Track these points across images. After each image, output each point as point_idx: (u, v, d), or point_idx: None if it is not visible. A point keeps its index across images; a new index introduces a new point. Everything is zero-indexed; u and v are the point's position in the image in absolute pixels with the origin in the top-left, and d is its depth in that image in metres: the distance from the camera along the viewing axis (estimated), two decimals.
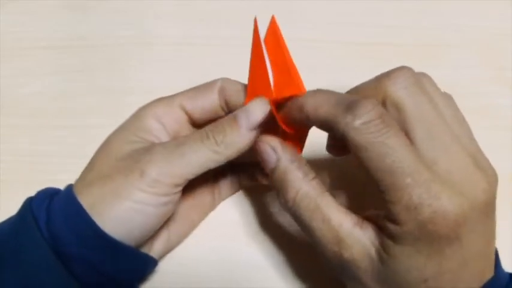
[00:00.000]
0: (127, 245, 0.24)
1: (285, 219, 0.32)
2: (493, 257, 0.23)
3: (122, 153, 0.25)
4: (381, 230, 0.21)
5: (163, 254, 0.29)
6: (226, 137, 0.24)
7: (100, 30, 0.40)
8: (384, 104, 0.22)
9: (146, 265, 0.28)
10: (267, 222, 0.32)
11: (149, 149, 0.25)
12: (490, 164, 0.23)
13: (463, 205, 0.20)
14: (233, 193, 0.33)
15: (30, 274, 0.23)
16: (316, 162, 0.31)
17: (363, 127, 0.20)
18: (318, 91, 0.23)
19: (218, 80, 0.28)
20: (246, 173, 0.31)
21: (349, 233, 0.22)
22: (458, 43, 0.40)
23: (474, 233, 0.21)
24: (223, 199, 0.32)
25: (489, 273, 0.22)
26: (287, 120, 0.25)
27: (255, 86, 0.26)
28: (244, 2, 0.41)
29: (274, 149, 0.24)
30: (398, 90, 0.22)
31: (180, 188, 0.25)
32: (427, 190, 0.20)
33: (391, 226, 0.21)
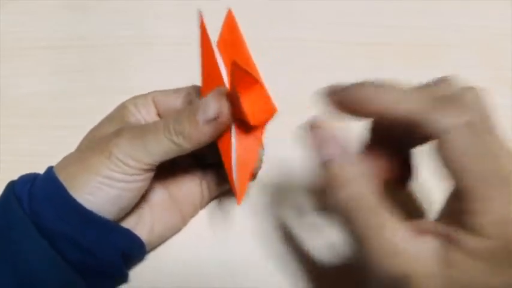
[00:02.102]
0: (103, 217, 0.26)
1: (284, 219, 0.32)
2: None
3: (103, 134, 0.27)
4: (450, 243, 0.19)
5: (150, 243, 0.29)
6: (184, 130, 0.25)
7: (100, 30, 0.40)
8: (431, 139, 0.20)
9: (128, 241, 0.28)
10: (267, 222, 0.32)
11: (118, 131, 0.26)
12: None
13: None
14: (223, 190, 0.32)
15: (15, 251, 0.24)
16: None
17: (461, 131, 0.19)
18: (383, 84, 0.21)
19: (188, 87, 0.30)
20: None
21: (408, 243, 0.20)
22: (458, 43, 0.40)
23: None
24: (213, 194, 0.32)
25: None
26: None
27: (208, 80, 0.26)
28: (244, 2, 0.41)
29: (335, 141, 0.22)
30: (462, 131, 0.20)
31: (149, 171, 0.26)
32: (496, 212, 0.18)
33: (470, 239, 0.19)
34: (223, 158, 0.26)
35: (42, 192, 0.25)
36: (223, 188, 0.32)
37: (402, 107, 0.20)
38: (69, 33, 0.40)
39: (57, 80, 0.38)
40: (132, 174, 0.26)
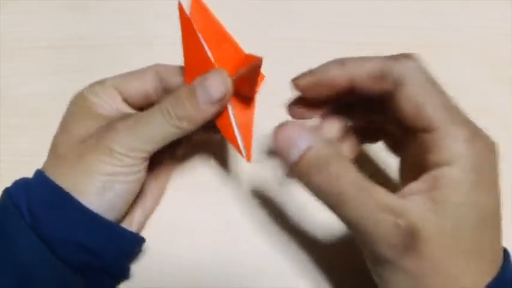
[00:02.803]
0: (109, 220, 0.26)
1: (284, 219, 0.32)
2: None
3: (83, 132, 0.26)
4: (431, 189, 0.21)
5: (143, 225, 0.31)
6: (187, 112, 0.25)
7: (100, 30, 0.40)
8: (397, 85, 0.23)
9: (132, 242, 0.28)
10: (266, 222, 0.32)
11: (112, 126, 0.26)
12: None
13: (495, 145, 0.22)
14: (188, 149, 0.33)
15: (17, 261, 0.24)
16: None
17: (419, 67, 0.22)
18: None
19: (151, 66, 0.29)
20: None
21: (400, 203, 0.21)
22: (458, 43, 0.40)
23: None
24: (180, 157, 0.33)
25: None
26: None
27: (192, 64, 0.26)
28: (244, 2, 0.41)
29: (303, 131, 0.23)
30: (414, 74, 0.23)
31: (147, 158, 0.26)
32: (475, 126, 0.22)
33: (447, 171, 0.21)
34: (220, 125, 0.27)
35: (42, 200, 0.25)
36: (189, 145, 0.33)
37: (365, 66, 0.23)
38: (69, 33, 0.40)
39: (57, 80, 0.38)
40: (134, 165, 0.26)
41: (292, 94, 0.27)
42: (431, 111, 0.21)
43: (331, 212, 0.22)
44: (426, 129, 0.22)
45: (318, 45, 0.39)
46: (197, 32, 0.25)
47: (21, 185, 0.26)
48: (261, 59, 0.23)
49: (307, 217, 0.32)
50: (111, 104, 0.28)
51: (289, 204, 0.33)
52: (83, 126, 0.27)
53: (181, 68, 0.28)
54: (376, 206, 0.21)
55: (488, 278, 0.21)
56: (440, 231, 0.20)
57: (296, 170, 0.22)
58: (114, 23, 0.40)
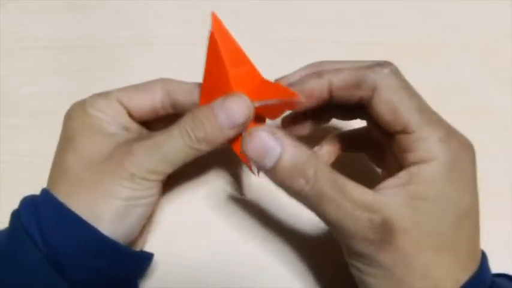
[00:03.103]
0: (126, 247, 0.26)
1: (283, 219, 0.32)
2: None
3: (98, 154, 0.26)
4: (407, 184, 0.22)
5: (147, 238, 0.31)
6: (207, 135, 0.25)
7: (100, 30, 0.40)
8: (373, 91, 0.24)
9: (144, 262, 0.28)
10: (265, 223, 0.32)
11: (130, 150, 0.25)
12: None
13: (473, 148, 0.23)
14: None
15: None
16: None
17: (393, 74, 0.23)
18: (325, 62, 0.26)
19: (158, 80, 0.29)
20: None
21: (374, 199, 0.22)
22: (458, 43, 0.40)
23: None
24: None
25: None
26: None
27: (211, 84, 0.26)
28: (244, 2, 0.41)
29: (275, 137, 0.23)
30: (389, 80, 0.24)
31: (164, 180, 0.27)
32: (448, 126, 0.23)
33: (424, 168, 0.22)
34: (233, 144, 0.27)
35: (56, 227, 0.24)
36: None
37: (341, 75, 0.24)
38: (69, 33, 0.40)
39: (57, 80, 0.38)
40: (152, 188, 0.26)
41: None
42: (406, 115, 0.22)
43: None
44: (403, 132, 0.22)
45: (318, 45, 0.39)
46: (221, 52, 0.25)
47: (29, 207, 0.25)
48: (298, 96, 0.24)
49: (308, 217, 0.32)
50: (116, 118, 0.28)
51: (290, 204, 0.33)
52: (93, 145, 0.26)
53: (192, 85, 0.28)
54: (351, 204, 0.22)
55: (464, 275, 0.22)
56: (414, 225, 0.21)
57: (273, 177, 0.23)
58: (114, 23, 0.40)
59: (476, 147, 0.24)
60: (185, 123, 0.25)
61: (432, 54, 0.39)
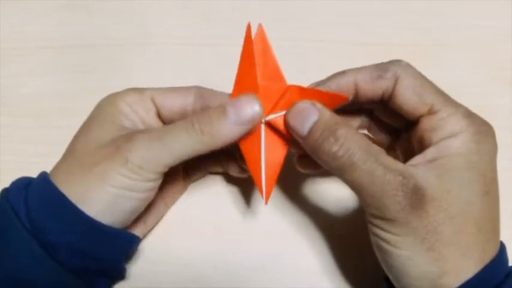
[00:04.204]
0: (113, 227, 0.25)
1: (284, 219, 0.32)
2: None
3: (103, 140, 0.26)
4: (435, 159, 0.23)
5: (143, 235, 0.30)
6: (213, 127, 0.25)
7: (100, 30, 0.40)
8: (394, 82, 0.26)
9: (131, 243, 0.28)
10: (266, 223, 0.32)
11: (131, 136, 0.25)
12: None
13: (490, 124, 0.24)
14: (201, 177, 0.33)
15: (15, 266, 0.24)
16: None
17: (410, 65, 0.25)
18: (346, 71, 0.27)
19: (194, 86, 0.29)
20: (217, 160, 0.32)
21: (406, 168, 0.23)
22: (458, 43, 0.40)
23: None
24: (192, 182, 0.33)
25: None
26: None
27: (241, 86, 0.26)
28: (244, 2, 0.41)
29: (314, 105, 0.25)
30: (407, 71, 0.26)
31: (162, 174, 0.26)
32: (466, 108, 0.24)
33: (452, 141, 0.23)
34: (248, 159, 0.27)
35: (43, 204, 0.24)
36: (202, 177, 0.33)
37: (364, 71, 0.26)
38: (69, 33, 0.40)
39: (57, 80, 0.38)
40: (148, 180, 0.25)
41: None
42: (431, 96, 0.24)
43: (340, 181, 0.24)
44: (428, 113, 0.24)
45: (318, 45, 0.39)
46: (254, 58, 0.26)
47: (20, 186, 0.26)
48: (347, 96, 0.25)
49: (308, 217, 0.32)
50: (143, 116, 0.28)
51: (290, 204, 0.33)
52: (105, 133, 0.26)
53: (225, 95, 0.28)
54: (384, 168, 0.22)
55: (489, 247, 0.23)
56: (445, 194, 0.22)
57: (309, 141, 0.24)
58: (114, 23, 0.40)
59: None
60: (193, 117, 0.25)
61: (432, 54, 0.39)
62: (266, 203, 0.27)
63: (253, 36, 0.26)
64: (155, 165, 0.25)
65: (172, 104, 0.28)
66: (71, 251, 0.24)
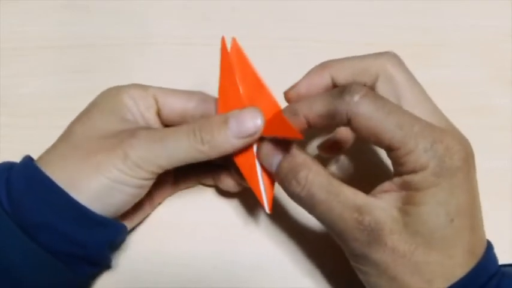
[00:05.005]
0: (101, 215, 0.25)
1: (284, 219, 0.32)
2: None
3: (104, 130, 0.26)
4: (400, 189, 0.23)
5: (130, 227, 0.30)
6: (213, 138, 0.25)
7: (100, 30, 0.40)
8: (376, 78, 0.26)
9: (117, 232, 0.28)
10: (266, 222, 0.32)
11: (134, 133, 0.25)
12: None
13: (466, 146, 0.23)
14: (190, 187, 0.33)
15: None
16: None
17: (365, 97, 0.23)
18: (301, 100, 0.26)
19: (197, 91, 0.29)
20: (208, 171, 0.32)
21: (366, 201, 0.23)
22: (458, 43, 0.40)
23: (474, 169, 0.24)
24: (180, 189, 0.33)
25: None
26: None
27: (226, 100, 0.27)
28: (244, 2, 0.41)
29: (275, 146, 0.26)
30: (392, 67, 0.25)
31: (156, 175, 0.26)
32: (433, 132, 0.23)
33: (413, 176, 0.22)
34: (243, 170, 0.27)
35: (26, 186, 0.24)
36: (190, 187, 0.33)
37: (314, 108, 0.24)
38: (69, 33, 0.40)
39: (57, 80, 0.38)
40: (141, 179, 0.25)
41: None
42: (387, 135, 0.23)
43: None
44: (389, 149, 0.23)
45: (318, 45, 0.39)
46: (234, 71, 0.26)
47: (1, 169, 0.26)
48: (300, 135, 0.24)
49: (308, 217, 0.32)
50: (144, 112, 0.28)
51: (290, 204, 0.33)
52: (106, 123, 0.26)
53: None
54: (342, 206, 0.23)
55: (460, 271, 0.22)
56: (403, 227, 0.22)
57: (277, 180, 0.26)
58: (114, 23, 0.40)
59: (476, 147, 0.24)
60: (195, 123, 0.25)
61: (432, 54, 0.39)
62: (270, 211, 0.27)
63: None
64: (152, 166, 0.25)
65: (173, 105, 0.29)
66: (53, 234, 0.24)
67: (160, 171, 0.26)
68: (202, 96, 0.29)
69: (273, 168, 0.25)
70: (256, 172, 0.27)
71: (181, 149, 0.25)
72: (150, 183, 0.26)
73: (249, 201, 0.33)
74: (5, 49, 0.39)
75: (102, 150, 0.25)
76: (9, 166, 0.26)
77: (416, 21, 0.41)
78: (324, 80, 0.27)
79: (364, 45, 0.39)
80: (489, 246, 0.24)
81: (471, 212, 0.23)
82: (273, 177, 0.27)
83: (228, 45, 0.27)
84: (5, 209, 0.24)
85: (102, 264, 0.29)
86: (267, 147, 0.26)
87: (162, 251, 0.31)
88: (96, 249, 0.26)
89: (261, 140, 0.26)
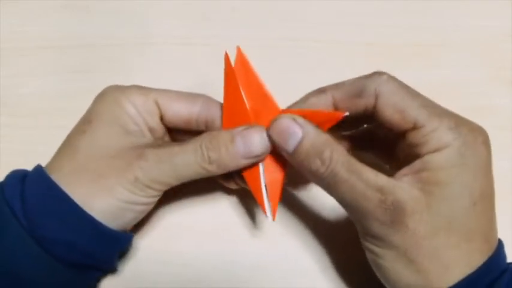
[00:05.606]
0: (115, 230, 0.26)
1: (284, 219, 0.32)
2: None
3: (111, 148, 0.26)
4: (421, 172, 0.23)
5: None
6: (220, 157, 0.25)
7: (100, 30, 0.40)
8: (376, 96, 0.25)
9: (124, 242, 0.28)
10: (265, 223, 0.32)
11: (141, 154, 0.25)
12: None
13: (486, 132, 0.24)
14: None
15: (8, 260, 0.24)
16: None
17: (391, 78, 0.24)
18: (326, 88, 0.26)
19: (202, 94, 0.29)
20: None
21: (387, 182, 0.23)
22: (458, 43, 0.40)
23: (491, 156, 0.24)
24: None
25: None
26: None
27: (231, 112, 0.27)
28: (244, 2, 0.41)
29: (296, 122, 0.25)
30: (387, 83, 0.25)
31: (164, 191, 0.27)
32: (455, 115, 0.23)
33: (436, 155, 0.22)
34: (248, 180, 0.27)
35: (42, 202, 0.24)
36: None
37: (343, 89, 0.25)
38: (69, 33, 0.40)
39: (57, 80, 0.38)
40: (151, 196, 0.26)
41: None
42: (413, 112, 0.23)
43: (328, 195, 0.25)
44: (413, 128, 0.23)
45: (318, 45, 0.39)
46: (239, 85, 0.26)
47: (15, 180, 0.25)
48: (343, 114, 0.24)
49: (308, 216, 0.32)
50: (147, 119, 0.28)
51: (290, 203, 0.33)
52: (109, 137, 0.26)
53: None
54: (364, 185, 0.23)
55: (479, 258, 0.22)
56: (426, 208, 0.22)
57: (294, 159, 0.25)
58: (114, 23, 0.40)
59: None
60: (202, 141, 0.25)
61: (432, 54, 0.39)
62: (274, 219, 0.27)
63: (232, 59, 0.26)
64: (161, 185, 0.26)
65: (178, 111, 0.28)
66: (69, 248, 0.25)
67: (168, 188, 0.26)
68: (206, 100, 0.28)
69: (290, 148, 0.24)
70: (260, 182, 0.27)
71: (189, 167, 0.25)
72: (157, 198, 0.27)
73: (249, 201, 0.33)
74: (5, 49, 0.39)
75: (113, 173, 0.25)
76: (21, 176, 0.26)
77: (416, 21, 0.41)
78: (327, 100, 0.26)
79: (364, 45, 0.39)
80: (500, 242, 0.24)
81: (490, 199, 0.23)
82: (280, 187, 0.27)
83: (230, 54, 0.26)
84: (20, 222, 0.24)
85: (110, 269, 0.29)
86: (284, 122, 0.25)
87: (162, 251, 0.31)
88: (108, 259, 0.27)
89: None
